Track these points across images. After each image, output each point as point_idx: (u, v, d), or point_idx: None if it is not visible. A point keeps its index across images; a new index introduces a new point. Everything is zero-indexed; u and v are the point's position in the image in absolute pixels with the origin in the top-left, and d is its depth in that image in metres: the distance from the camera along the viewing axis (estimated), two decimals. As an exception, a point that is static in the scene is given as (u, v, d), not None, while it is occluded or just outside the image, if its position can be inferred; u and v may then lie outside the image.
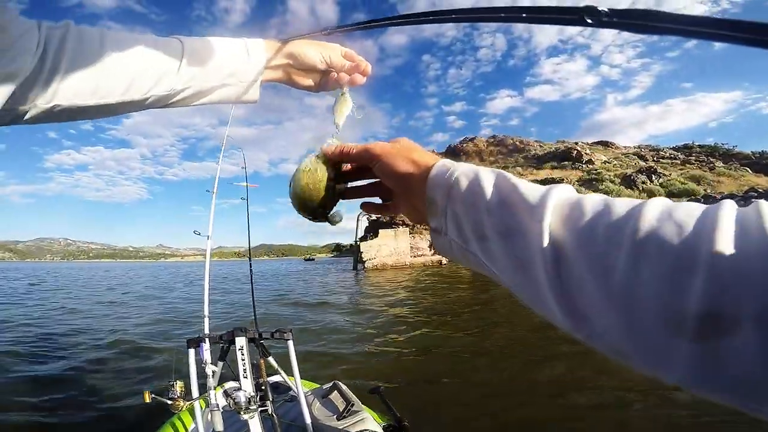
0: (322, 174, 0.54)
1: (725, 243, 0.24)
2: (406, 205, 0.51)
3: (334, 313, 9.12)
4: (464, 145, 52.66)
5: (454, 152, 52.64)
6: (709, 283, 0.23)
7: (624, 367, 0.29)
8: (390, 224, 33.36)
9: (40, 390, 4.16)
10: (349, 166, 0.57)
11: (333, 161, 0.55)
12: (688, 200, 25.05)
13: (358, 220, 33.79)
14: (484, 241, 0.38)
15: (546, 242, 0.32)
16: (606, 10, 0.28)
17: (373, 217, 36.54)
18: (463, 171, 0.42)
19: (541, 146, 48.32)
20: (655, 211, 0.28)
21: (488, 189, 0.38)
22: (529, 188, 0.37)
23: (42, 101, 0.43)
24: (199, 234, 2.23)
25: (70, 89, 0.44)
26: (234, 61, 0.59)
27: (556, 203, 0.34)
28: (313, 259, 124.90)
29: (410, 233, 29.85)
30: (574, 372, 4.23)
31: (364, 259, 28.63)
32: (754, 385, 0.23)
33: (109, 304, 11.93)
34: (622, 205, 0.31)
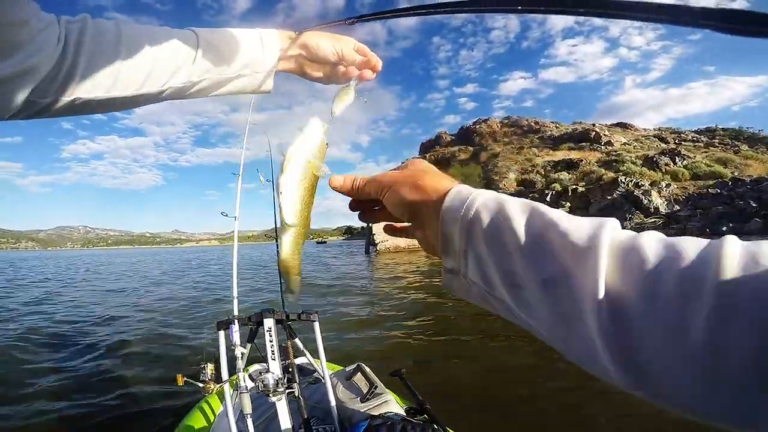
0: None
1: None
2: (420, 235, 0.44)
3: (349, 296, 9.17)
4: (477, 126, 51.82)
5: (466, 133, 51.86)
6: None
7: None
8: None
9: (75, 374, 4.26)
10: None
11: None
12: (714, 183, 25.13)
13: None
14: (516, 288, 0.33)
15: (601, 294, 0.28)
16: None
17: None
18: (484, 202, 0.35)
19: (557, 127, 47.41)
20: (736, 256, 0.25)
21: (519, 226, 0.33)
22: (573, 226, 0.31)
23: (63, 94, 0.44)
24: (227, 215, 2.24)
25: (89, 82, 0.45)
26: (249, 52, 0.59)
27: (610, 245, 0.29)
28: (324, 242, 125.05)
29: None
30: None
31: (376, 242, 28.04)
32: None
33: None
34: (690, 248, 0.27)
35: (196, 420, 1.96)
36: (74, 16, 0.46)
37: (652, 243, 0.29)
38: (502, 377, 3.78)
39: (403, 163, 0.48)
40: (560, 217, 0.33)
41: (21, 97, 0.40)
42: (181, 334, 5.82)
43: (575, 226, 0.31)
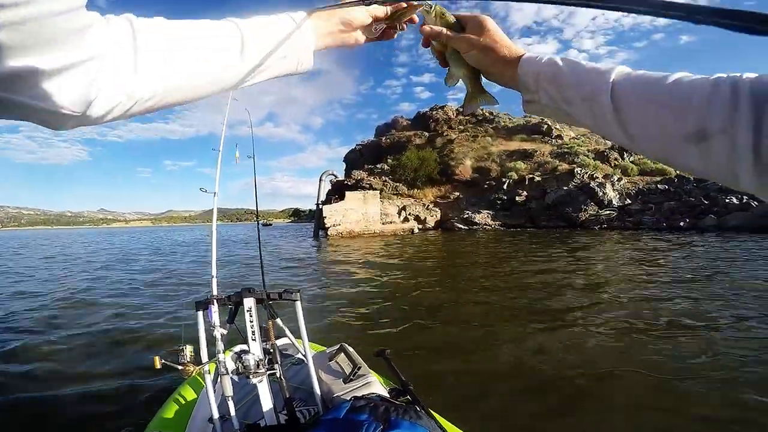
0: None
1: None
2: (488, 75, 0.68)
3: (304, 280, 9.09)
4: (434, 112, 52.48)
5: (423, 119, 52.51)
6: (695, 113, 0.41)
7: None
8: (357, 187, 31.58)
9: (44, 357, 4.24)
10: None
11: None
12: (661, 179, 27.67)
13: (321, 180, 31.17)
14: (570, 104, 0.57)
15: (610, 97, 0.50)
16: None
17: (340, 177, 35.64)
18: (546, 61, 0.59)
19: (510, 119, 48.86)
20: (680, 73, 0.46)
21: (567, 71, 0.57)
22: (592, 66, 0.55)
23: (118, 99, 0.44)
24: (206, 191, 2.26)
25: (144, 84, 0.45)
26: (286, 34, 0.61)
27: (617, 71, 0.52)
28: (270, 224, 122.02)
29: (380, 197, 28.37)
30: (579, 328, 4.41)
31: (327, 225, 26.35)
32: None
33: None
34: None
35: (177, 404, 1.97)
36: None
37: (638, 71, 0.51)
38: (482, 356, 3.89)
39: (470, 12, 0.69)
40: (590, 63, 0.56)
41: (77, 93, 0.39)
42: (156, 315, 5.87)
43: (598, 65, 0.55)
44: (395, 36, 0.75)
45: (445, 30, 0.67)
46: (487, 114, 50.92)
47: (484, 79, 0.71)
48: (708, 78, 0.43)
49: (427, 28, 0.68)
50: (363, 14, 0.69)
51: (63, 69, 0.37)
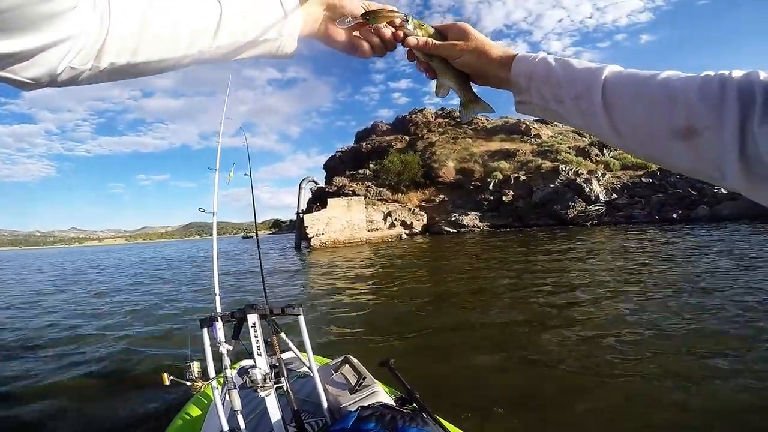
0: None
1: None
2: (480, 81, 0.70)
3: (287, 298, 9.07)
4: (413, 116, 52.91)
5: (402, 123, 52.88)
6: (683, 110, 0.43)
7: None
8: (339, 193, 31.27)
9: (51, 375, 4.33)
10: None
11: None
12: (644, 172, 28.39)
13: (300, 188, 29.68)
14: (560, 103, 0.58)
15: (601, 95, 0.52)
16: None
17: (321, 184, 35.27)
18: (538, 61, 0.60)
19: (488, 120, 49.51)
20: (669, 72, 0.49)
21: (559, 71, 0.58)
22: (585, 65, 0.57)
23: (99, 61, 0.44)
24: (204, 211, 2.32)
25: (121, 47, 0.45)
26: (271, 15, 0.60)
27: (609, 68, 0.53)
28: (250, 237, 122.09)
29: (365, 204, 27.83)
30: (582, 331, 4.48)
31: (309, 235, 25.30)
32: None
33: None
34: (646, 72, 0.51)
35: (186, 419, 2.05)
36: None
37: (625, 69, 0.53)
38: (486, 359, 3.94)
39: (443, 21, 0.71)
40: (581, 62, 0.57)
41: (64, 64, 0.40)
42: (159, 333, 5.96)
43: (587, 64, 0.57)
44: (370, 54, 0.71)
45: (430, 40, 0.68)
46: (466, 115, 51.56)
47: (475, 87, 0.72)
48: (697, 76, 0.44)
49: (412, 39, 0.68)
50: (356, 1, 0.67)
51: (36, 50, 0.36)
